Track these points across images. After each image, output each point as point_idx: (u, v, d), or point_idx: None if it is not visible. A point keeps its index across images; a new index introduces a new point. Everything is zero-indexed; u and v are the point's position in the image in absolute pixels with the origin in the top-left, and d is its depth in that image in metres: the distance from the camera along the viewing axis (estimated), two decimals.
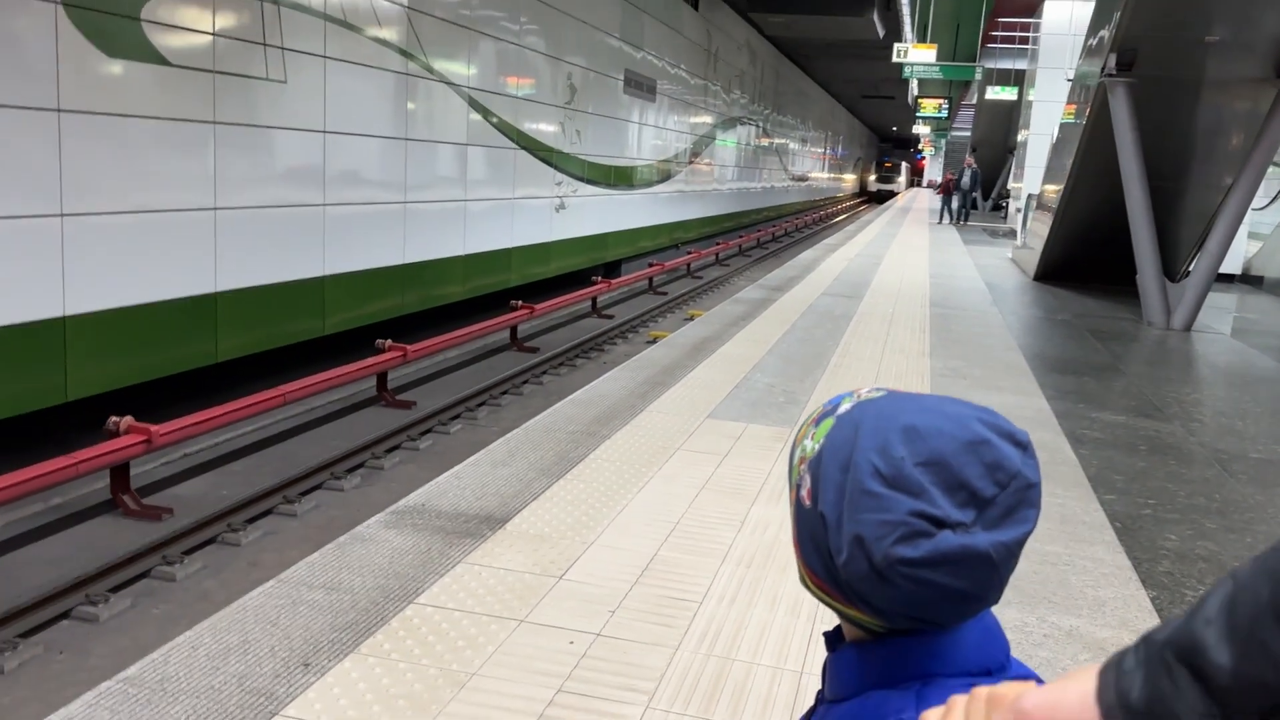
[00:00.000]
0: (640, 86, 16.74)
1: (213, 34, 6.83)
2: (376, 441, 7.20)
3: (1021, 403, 5.65)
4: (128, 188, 6.28)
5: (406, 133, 9.43)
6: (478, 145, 10.90)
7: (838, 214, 43.63)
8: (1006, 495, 0.72)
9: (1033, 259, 13.14)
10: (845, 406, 0.81)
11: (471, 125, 10.72)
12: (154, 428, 5.73)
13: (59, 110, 5.73)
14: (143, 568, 5.13)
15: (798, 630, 2.70)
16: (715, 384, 5.53)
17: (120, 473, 5.81)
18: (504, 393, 9.12)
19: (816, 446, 0.80)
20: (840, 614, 0.82)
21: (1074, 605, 2.93)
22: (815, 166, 41.83)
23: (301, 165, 7.98)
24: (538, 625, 2.59)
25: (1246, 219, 12.16)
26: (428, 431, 7.75)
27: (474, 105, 10.74)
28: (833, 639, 0.87)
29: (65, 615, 4.63)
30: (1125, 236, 9.74)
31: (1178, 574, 3.37)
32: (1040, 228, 13.38)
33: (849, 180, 58.73)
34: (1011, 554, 0.73)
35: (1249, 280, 16.56)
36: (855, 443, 0.76)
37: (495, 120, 11.27)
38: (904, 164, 67.01)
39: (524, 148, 12.10)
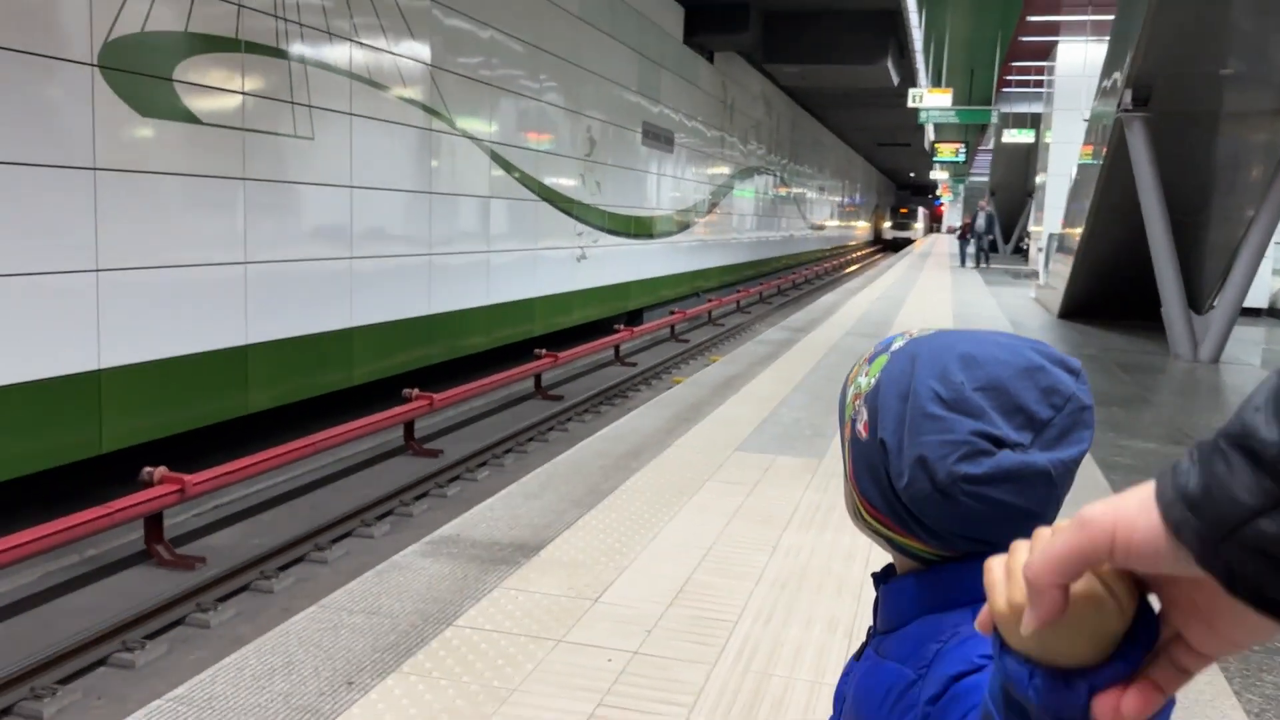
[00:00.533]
0: (658, 138, 16.97)
1: (242, 93, 7.02)
2: (405, 489, 7.24)
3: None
4: (161, 243, 6.42)
5: (431, 187, 9.60)
6: (500, 198, 11.08)
7: (849, 265, 41.01)
8: (1062, 417, 0.75)
9: (1056, 298, 13.12)
10: (899, 344, 0.84)
11: (494, 179, 10.90)
12: (187, 478, 5.79)
13: (95, 169, 5.90)
14: (177, 615, 5.16)
15: (835, 647, 2.69)
16: (742, 419, 5.54)
17: (154, 523, 5.87)
18: (530, 439, 9.15)
19: (872, 381, 0.83)
20: (894, 545, 0.83)
21: None
22: (831, 214, 41.56)
23: (329, 220, 8.13)
24: (575, 644, 2.60)
25: (1271, 253, 12.12)
26: (455, 479, 7.78)
27: (496, 159, 10.92)
28: (881, 578, 0.88)
29: (102, 662, 4.65)
30: (1148, 271, 9.73)
31: None
32: (1062, 267, 13.38)
33: (861, 228, 56.16)
34: (1069, 471, 0.76)
35: (1276, 314, 16.43)
36: (913, 372, 0.79)
37: (517, 174, 11.46)
38: (920, 209, 61.96)
39: (545, 200, 12.27)
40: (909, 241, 54.11)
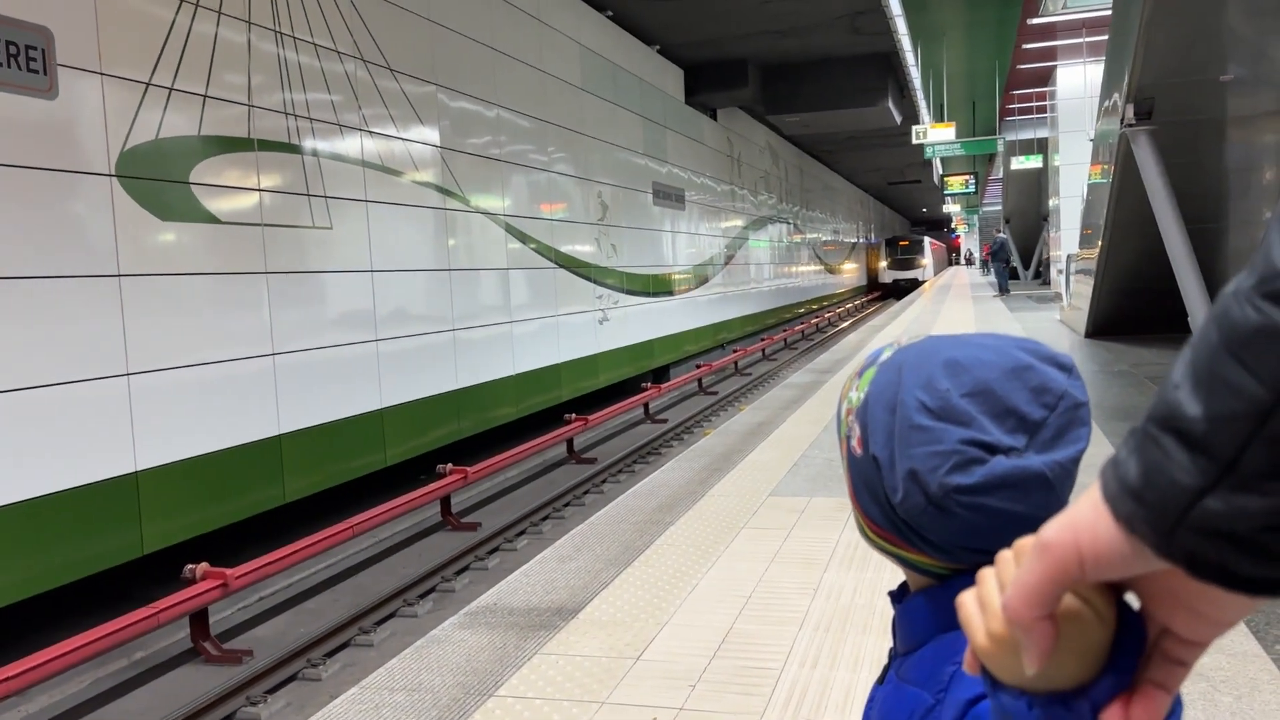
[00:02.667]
0: (669, 197, 17.16)
1: (259, 190, 7.20)
2: (446, 564, 7.24)
3: (1090, 451, 5.54)
4: (188, 342, 6.55)
5: (450, 264, 9.74)
6: (518, 269, 11.21)
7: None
8: (1056, 417, 0.72)
9: (1081, 318, 13.03)
10: (886, 355, 0.82)
11: (511, 251, 11.05)
12: (229, 572, 5.82)
13: (119, 275, 6.04)
14: (227, 710, 5.15)
15: None
16: (774, 464, 5.52)
17: (199, 619, 5.89)
18: (566, 504, 9.14)
19: (862, 395, 0.81)
20: (903, 562, 0.81)
21: None
22: (839, 259, 38.87)
23: (352, 305, 8.26)
24: (619, 705, 2.58)
25: None
26: (495, 550, 7.77)
27: (512, 232, 11.08)
28: (898, 596, 0.87)
29: None
30: (1171, 282, 9.65)
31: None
32: (1084, 288, 13.31)
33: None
34: (1068, 473, 0.73)
35: None
36: (899, 383, 0.77)
37: (533, 244, 11.60)
38: (927, 242, 47.17)
39: (563, 266, 12.40)
40: (915, 284, 41.98)
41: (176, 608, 5.52)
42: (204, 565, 5.86)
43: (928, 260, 45.88)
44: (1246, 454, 0.40)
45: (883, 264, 46.73)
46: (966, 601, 0.55)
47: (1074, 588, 0.49)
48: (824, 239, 35.05)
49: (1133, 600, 0.51)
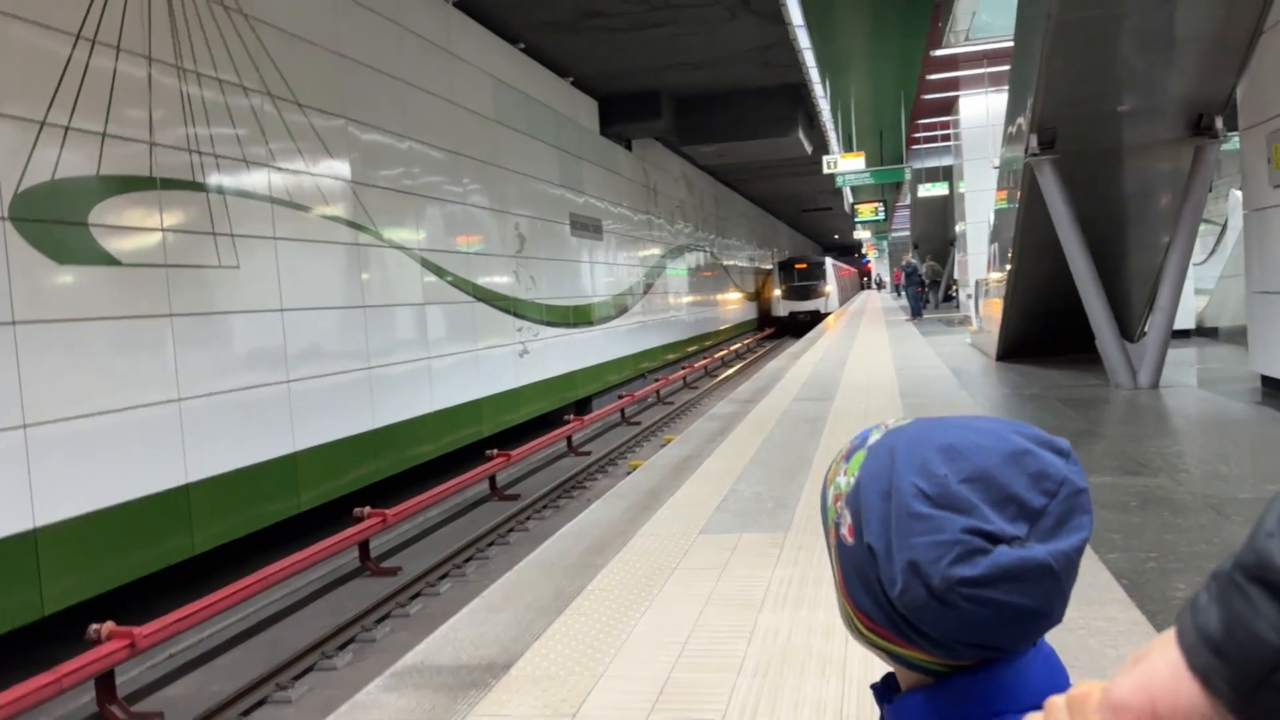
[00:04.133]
0: (586, 228, 17.15)
1: (162, 229, 6.94)
2: (365, 613, 7.01)
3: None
4: (89, 390, 6.25)
5: (364, 300, 9.53)
6: (435, 303, 11.04)
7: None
8: (1057, 504, 0.70)
9: (991, 341, 13.35)
10: (875, 437, 0.79)
11: (427, 285, 10.87)
12: (137, 630, 5.55)
13: (14, 323, 5.74)
14: None
15: None
16: (702, 499, 5.47)
17: (106, 682, 5.59)
18: (490, 544, 8.97)
19: (852, 480, 0.77)
20: (896, 658, 0.77)
21: (1100, 667, 2.86)
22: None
23: (262, 345, 8.01)
24: None
25: (1191, 274, 12.49)
26: (417, 595, 7.57)
27: (427, 265, 10.91)
28: (882, 692, 0.82)
29: None
30: (1078, 305, 9.95)
31: None
32: (993, 311, 13.65)
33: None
34: (1072, 563, 0.70)
35: (1204, 333, 16.89)
36: (893, 468, 0.73)
37: (450, 277, 11.45)
38: (830, 264, 37.98)
39: (481, 300, 12.26)
40: (817, 317, 34.45)
41: (81, 671, 5.23)
42: (109, 624, 5.57)
43: (831, 288, 37.06)
44: None
45: (775, 293, 37.09)
46: None
47: None
48: (740, 264, 35.48)
49: None
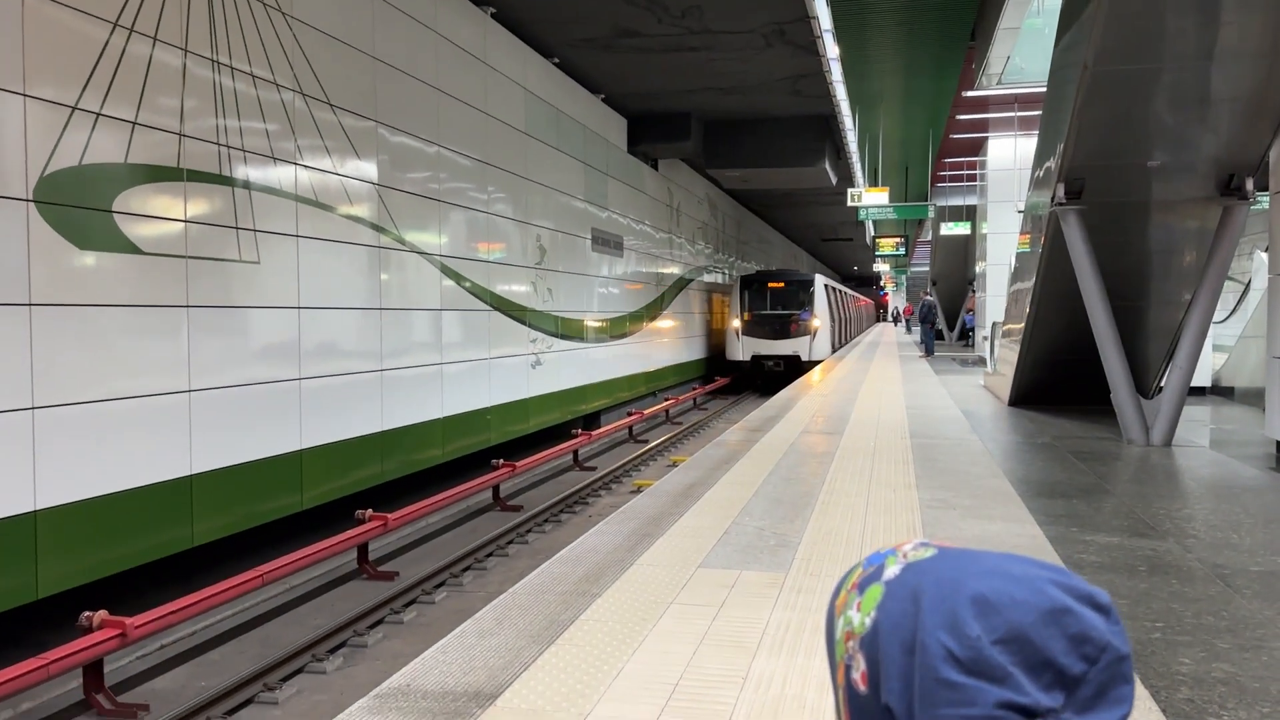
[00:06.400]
0: (607, 243, 17.16)
1: (185, 221, 6.96)
2: (359, 617, 6.99)
3: (1015, 530, 5.57)
4: (100, 376, 6.26)
5: (381, 302, 9.54)
6: (452, 310, 11.04)
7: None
8: (1097, 671, 0.64)
9: (1005, 385, 13.27)
10: (893, 570, 0.72)
11: (445, 291, 10.88)
12: (129, 620, 5.53)
13: (30, 305, 5.76)
14: None
15: None
16: (704, 531, 5.43)
17: (94, 670, 5.58)
18: (489, 555, 8.94)
19: (867, 620, 0.71)
20: None
21: None
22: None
23: (276, 342, 8.01)
24: None
25: (1210, 332, 12.40)
26: (412, 603, 7.54)
27: (447, 272, 10.92)
28: None
29: None
30: (1094, 357, 9.88)
31: (1198, 700, 3.25)
32: (1009, 354, 13.58)
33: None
34: None
35: (1220, 392, 16.76)
36: (918, 619, 0.67)
37: (468, 284, 11.46)
38: (820, 286, 25.44)
39: (497, 309, 12.27)
40: (795, 367, 24.09)
41: (70, 658, 5.22)
42: (102, 613, 5.57)
43: (822, 322, 24.63)
44: None
45: (734, 324, 24.84)
46: None
47: None
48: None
49: None
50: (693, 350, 24.07)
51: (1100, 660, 0.65)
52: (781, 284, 25.09)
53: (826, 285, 26.41)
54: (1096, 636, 0.65)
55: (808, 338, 24.55)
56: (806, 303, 24.80)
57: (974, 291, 30.92)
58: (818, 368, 20.76)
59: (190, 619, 6.36)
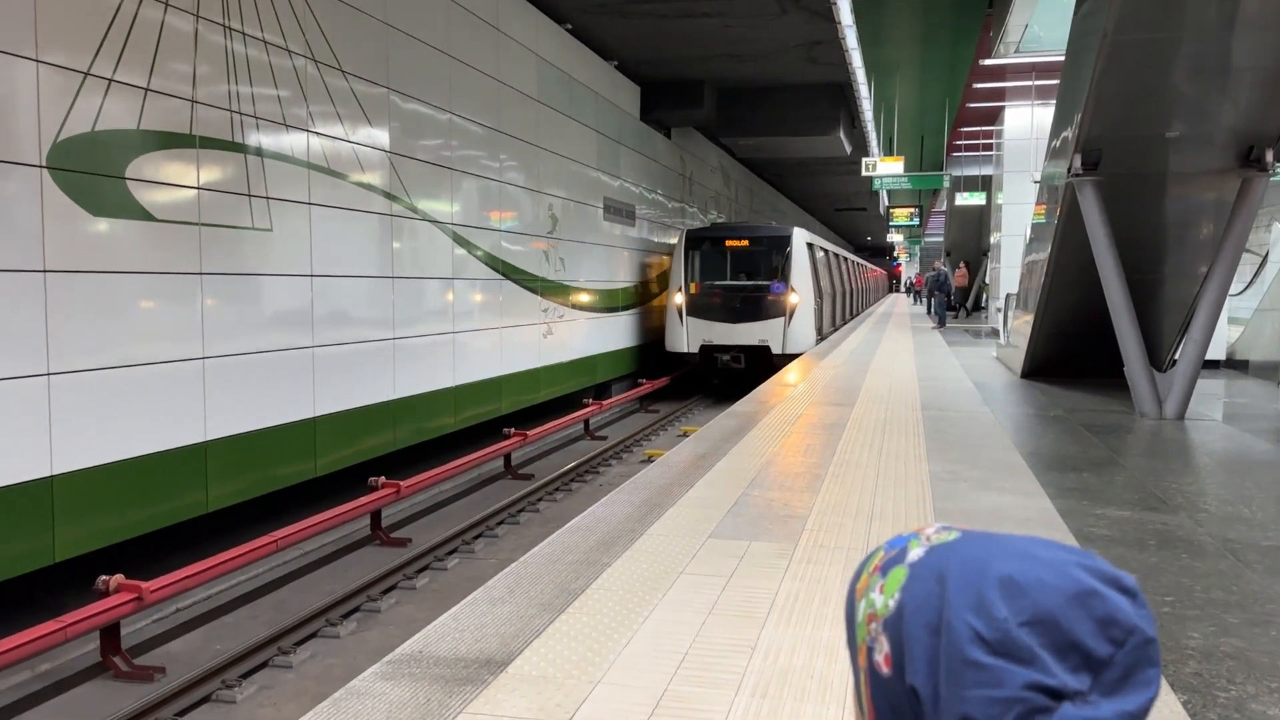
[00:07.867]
0: (620, 212, 17.09)
1: (198, 188, 6.97)
2: (372, 583, 7.06)
3: (1025, 503, 5.57)
4: (114, 342, 6.29)
5: (393, 271, 9.55)
6: (464, 278, 11.04)
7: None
8: (1124, 654, 0.64)
9: (1018, 357, 13.21)
10: (916, 552, 0.72)
11: (456, 259, 10.88)
12: (144, 585, 5.60)
13: (44, 271, 5.78)
14: None
15: None
16: (714, 501, 5.45)
17: (110, 633, 5.66)
18: (500, 523, 9.00)
19: (890, 602, 0.71)
20: None
21: None
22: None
23: (289, 309, 8.04)
24: None
25: (1226, 304, 12.31)
26: (424, 569, 7.61)
27: (458, 240, 10.91)
28: None
29: None
30: (1108, 329, 9.82)
31: (1206, 674, 3.27)
32: (1022, 326, 13.51)
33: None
34: None
35: (1234, 365, 16.66)
36: (944, 599, 0.67)
37: (480, 253, 11.45)
38: (800, 243, 17.41)
39: (509, 278, 12.26)
40: (767, 362, 16.74)
41: (86, 622, 5.29)
42: (118, 577, 5.64)
43: (803, 298, 17.48)
44: None
45: (675, 300, 17.70)
46: None
47: None
48: None
49: None
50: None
51: (1127, 643, 0.65)
52: (744, 241, 17.95)
53: (811, 244, 18.84)
54: (1123, 619, 0.65)
55: (780, 320, 17.19)
56: (781, 269, 17.57)
57: (962, 265, 30.63)
58: (796, 360, 15.16)
59: (205, 583, 6.44)
